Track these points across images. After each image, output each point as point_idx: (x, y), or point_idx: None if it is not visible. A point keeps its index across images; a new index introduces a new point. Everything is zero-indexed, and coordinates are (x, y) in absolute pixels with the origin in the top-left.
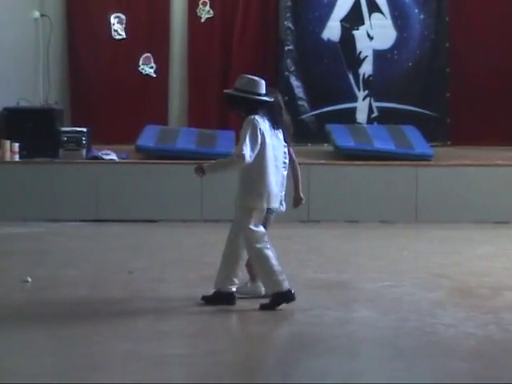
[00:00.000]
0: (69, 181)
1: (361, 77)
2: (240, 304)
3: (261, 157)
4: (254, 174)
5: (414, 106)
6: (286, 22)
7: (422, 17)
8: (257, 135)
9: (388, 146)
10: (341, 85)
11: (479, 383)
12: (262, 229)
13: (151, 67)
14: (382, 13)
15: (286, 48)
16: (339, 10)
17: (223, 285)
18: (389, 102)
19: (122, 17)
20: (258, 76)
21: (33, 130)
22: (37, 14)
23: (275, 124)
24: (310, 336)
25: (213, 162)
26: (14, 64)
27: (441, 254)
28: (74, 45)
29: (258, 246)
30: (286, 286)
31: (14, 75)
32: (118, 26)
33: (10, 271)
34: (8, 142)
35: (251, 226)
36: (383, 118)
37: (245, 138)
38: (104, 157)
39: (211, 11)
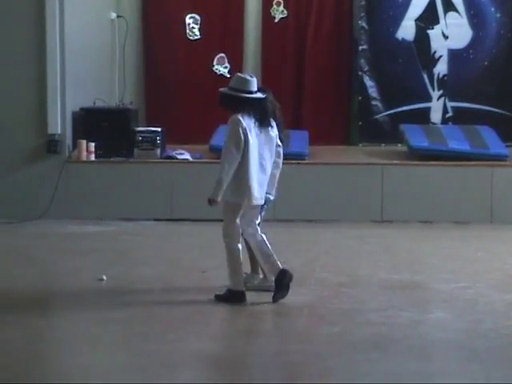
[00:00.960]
0: (143, 180)
1: (435, 76)
2: (312, 304)
3: (244, 155)
4: (239, 171)
5: (489, 106)
6: (360, 22)
7: (498, 15)
8: (239, 134)
9: (463, 146)
10: (415, 84)
11: None
12: (238, 226)
13: (225, 67)
14: (457, 12)
15: (360, 48)
16: (414, 9)
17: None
18: (463, 101)
19: (197, 17)
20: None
21: (108, 129)
22: (113, 15)
23: (263, 122)
24: (384, 337)
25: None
26: (91, 65)
27: None
28: (149, 45)
29: (234, 241)
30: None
31: (91, 76)
32: (193, 27)
33: (86, 269)
34: (84, 142)
35: (232, 222)
36: (458, 117)
37: (227, 140)
38: (178, 156)
39: (285, 11)
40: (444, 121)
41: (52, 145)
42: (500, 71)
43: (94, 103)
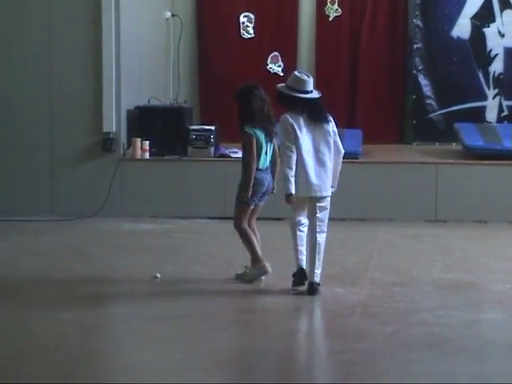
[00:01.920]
0: (197, 178)
1: (491, 75)
2: (365, 303)
3: (296, 151)
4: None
5: None
6: (414, 20)
7: None
8: (288, 131)
9: None
10: (470, 83)
11: None
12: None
13: (279, 66)
14: None
15: (415, 46)
16: (470, 7)
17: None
18: None
19: (251, 16)
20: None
21: (162, 128)
22: (168, 14)
23: (317, 118)
24: (437, 336)
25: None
26: (146, 63)
27: None
28: (203, 44)
29: (293, 229)
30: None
31: (146, 74)
32: (247, 25)
33: (140, 267)
34: (139, 140)
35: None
36: None
37: (281, 138)
38: (231, 155)
39: (339, 10)
40: (499, 120)
41: (107, 143)
42: None
43: (149, 102)
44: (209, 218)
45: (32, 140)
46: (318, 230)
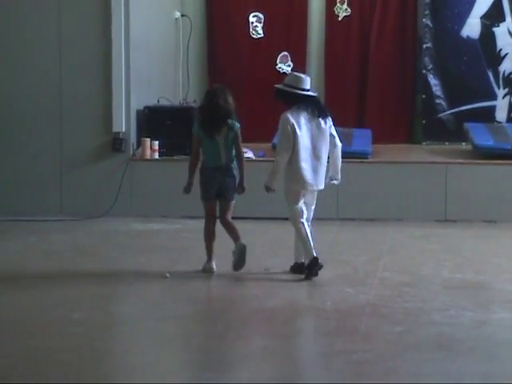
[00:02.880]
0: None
1: (501, 75)
2: (374, 303)
3: (294, 147)
4: (292, 161)
5: None
6: (424, 20)
7: None
8: (288, 130)
9: None
10: (480, 83)
11: None
12: (299, 208)
13: (288, 66)
14: None
15: (424, 46)
16: (479, 6)
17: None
18: None
19: (261, 16)
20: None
21: (172, 128)
22: (177, 14)
23: (314, 115)
24: (447, 337)
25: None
26: (156, 64)
27: None
28: (212, 44)
29: (297, 220)
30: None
31: (155, 75)
32: (256, 25)
33: (150, 267)
34: (148, 140)
35: (291, 206)
36: None
37: (279, 136)
38: None
39: (349, 9)
40: (509, 119)
41: (117, 143)
42: None
43: (158, 102)
44: (218, 218)
45: (42, 140)
46: (311, 217)
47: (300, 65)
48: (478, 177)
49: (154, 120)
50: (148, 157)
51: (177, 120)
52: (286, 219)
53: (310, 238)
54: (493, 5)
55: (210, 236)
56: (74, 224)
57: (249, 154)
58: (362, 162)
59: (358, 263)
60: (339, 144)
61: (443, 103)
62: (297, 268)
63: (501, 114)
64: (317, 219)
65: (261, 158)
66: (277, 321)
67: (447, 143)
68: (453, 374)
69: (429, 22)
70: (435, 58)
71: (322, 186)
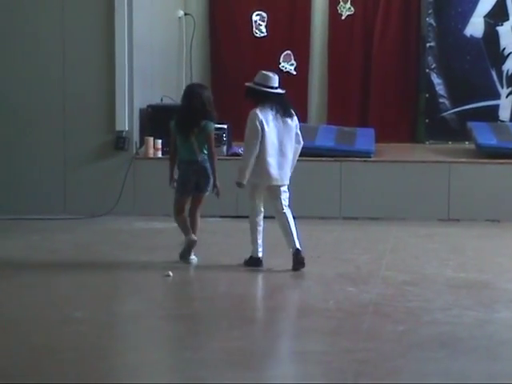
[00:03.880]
0: None
1: (504, 73)
2: (377, 302)
3: (261, 143)
4: (258, 157)
5: None
6: (427, 19)
7: None
8: (256, 127)
9: None
10: (483, 82)
11: None
12: (258, 203)
13: (291, 64)
14: None
15: (428, 45)
16: (483, 5)
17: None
18: None
19: (264, 14)
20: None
21: None
22: (181, 13)
23: (282, 113)
24: (450, 336)
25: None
26: (159, 62)
27: None
28: (215, 43)
29: (253, 215)
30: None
31: (158, 73)
32: (259, 24)
33: (153, 266)
34: (151, 139)
35: (251, 199)
36: None
37: (247, 132)
38: None
39: (352, 8)
40: None
41: (120, 142)
42: None
43: (162, 100)
44: (221, 217)
45: (45, 139)
46: (284, 209)
47: (303, 63)
48: (482, 176)
49: (157, 119)
50: (151, 155)
51: None
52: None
53: (259, 238)
54: (496, 4)
55: (182, 220)
56: (76, 222)
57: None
58: (365, 161)
59: (361, 262)
60: (301, 142)
61: (446, 102)
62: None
63: (504, 113)
64: (320, 218)
65: None
66: (280, 320)
67: (450, 142)
68: (456, 374)
69: (432, 21)
70: (438, 57)
71: (286, 182)
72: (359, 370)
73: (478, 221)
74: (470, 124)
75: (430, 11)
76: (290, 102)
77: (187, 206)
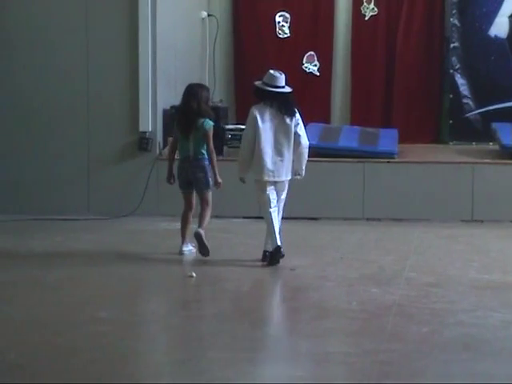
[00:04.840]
0: (232, 178)
1: None
2: (401, 304)
3: (256, 140)
4: (255, 154)
5: None
6: (451, 19)
7: None
8: (251, 122)
9: None
10: (508, 82)
11: None
12: (266, 196)
13: (315, 65)
14: None
15: (452, 45)
16: (507, 5)
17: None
18: None
19: (287, 15)
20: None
21: None
22: (204, 14)
23: (281, 111)
24: (474, 337)
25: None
26: (182, 63)
27: None
28: (239, 44)
29: (264, 208)
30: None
31: (182, 74)
32: (282, 25)
33: (176, 266)
34: None
35: (259, 194)
36: None
37: (244, 128)
38: None
39: (375, 9)
40: None
41: (143, 142)
42: None
43: None
44: (244, 218)
45: (69, 139)
46: (281, 207)
47: (326, 64)
48: (506, 177)
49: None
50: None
51: None
52: (313, 219)
53: (276, 227)
54: None
55: (183, 220)
56: (100, 223)
57: None
58: (388, 161)
59: (385, 263)
60: (304, 142)
61: (470, 103)
62: (264, 256)
63: None
64: (343, 219)
65: None
66: (303, 320)
67: (474, 143)
68: (480, 375)
69: (456, 22)
70: (462, 58)
71: (281, 178)
72: (383, 372)
73: (502, 222)
74: (494, 125)
75: (453, 12)
76: (295, 101)
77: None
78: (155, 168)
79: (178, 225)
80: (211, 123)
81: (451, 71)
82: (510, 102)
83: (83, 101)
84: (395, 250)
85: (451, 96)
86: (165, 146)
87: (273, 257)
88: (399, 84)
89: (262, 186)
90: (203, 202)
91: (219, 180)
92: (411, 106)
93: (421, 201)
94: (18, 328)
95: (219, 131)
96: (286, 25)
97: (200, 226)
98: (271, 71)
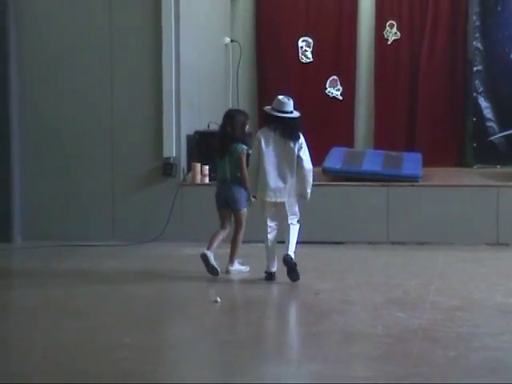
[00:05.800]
0: (255, 202)
1: None
2: (426, 328)
3: (260, 162)
4: (259, 174)
5: None
6: (474, 43)
7: None
8: (255, 145)
9: None
10: None
11: None
12: (266, 219)
13: (338, 90)
14: None
15: (475, 69)
16: None
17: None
18: None
19: (310, 40)
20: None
21: None
22: (227, 39)
23: (284, 135)
24: (501, 361)
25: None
26: (206, 88)
27: None
28: (262, 69)
29: (264, 231)
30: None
31: (205, 99)
32: (305, 50)
33: (201, 291)
34: (198, 165)
35: (261, 215)
36: None
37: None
38: None
39: (398, 33)
40: None
41: (167, 168)
42: None
43: (208, 126)
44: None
45: (94, 165)
46: (290, 224)
47: (349, 89)
48: None
49: (204, 145)
50: (198, 181)
51: None
52: (338, 243)
53: (270, 253)
54: None
55: (213, 234)
56: (125, 249)
57: None
58: (412, 185)
59: (410, 287)
60: (307, 166)
61: (494, 126)
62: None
63: None
64: (367, 243)
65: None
66: (327, 345)
67: (499, 166)
68: None
69: (479, 45)
70: (486, 81)
71: (282, 199)
72: None
73: None
74: None
75: (476, 35)
76: (300, 125)
77: (230, 225)
78: (179, 193)
79: (203, 249)
80: (244, 147)
81: (474, 94)
82: None
83: (108, 127)
84: (420, 273)
85: (475, 119)
86: (189, 171)
87: (267, 280)
88: (422, 108)
89: (263, 205)
90: (236, 222)
91: (252, 199)
92: (435, 130)
93: (445, 224)
94: (43, 353)
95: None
96: (309, 50)
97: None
98: (279, 97)
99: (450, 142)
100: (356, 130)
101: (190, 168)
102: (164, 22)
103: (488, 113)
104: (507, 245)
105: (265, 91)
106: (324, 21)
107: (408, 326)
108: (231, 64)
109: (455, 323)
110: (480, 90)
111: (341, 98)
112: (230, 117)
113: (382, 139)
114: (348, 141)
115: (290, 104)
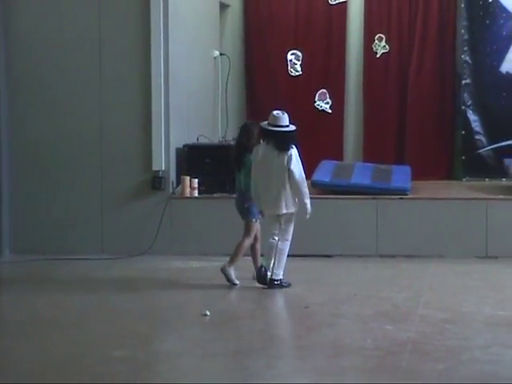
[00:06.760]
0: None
1: None
2: (415, 341)
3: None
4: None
5: None
6: (463, 56)
7: None
8: (252, 159)
9: None
10: None
11: None
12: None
13: (327, 103)
14: None
15: (463, 82)
16: None
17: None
18: None
19: (299, 53)
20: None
21: (211, 166)
22: (216, 53)
23: (277, 148)
24: (490, 374)
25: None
26: (195, 102)
27: None
28: (251, 82)
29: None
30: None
31: (195, 113)
32: (294, 63)
33: (190, 304)
34: (188, 178)
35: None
36: None
37: None
38: None
39: (387, 46)
40: None
41: (156, 181)
42: None
43: (198, 140)
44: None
45: (82, 179)
46: (280, 238)
47: (338, 102)
48: None
49: (193, 158)
50: (188, 195)
51: (216, 158)
52: (327, 256)
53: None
54: None
55: (236, 246)
56: (114, 262)
57: None
58: (401, 198)
59: (399, 300)
60: (297, 177)
61: (483, 139)
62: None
63: None
64: (357, 256)
65: None
66: (317, 358)
67: (487, 179)
68: None
69: (468, 58)
70: (474, 94)
71: (273, 212)
72: None
73: None
74: (507, 161)
75: (465, 48)
76: (293, 138)
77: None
78: (168, 207)
79: (192, 263)
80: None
81: (463, 108)
82: None
83: (96, 140)
84: (409, 286)
85: (463, 132)
86: (178, 184)
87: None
88: (411, 121)
89: (266, 216)
90: (245, 230)
91: (263, 213)
92: (424, 143)
93: (434, 237)
94: (35, 368)
95: None
96: (298, 63)
97: (255, 262)
98: (274, 112)
99: (439, 154)
100: (345, 143)
101: (179, 181)
102: (153, 35)
103: (477, 126)
104: (496, 257)
105: (254, 104)
106: (313, 34)
107: (397, 338)
108: (220, 77)
109: (444, 336)
110: (469, 103)
111: (330, 111)
112: (246, 129)
113: (371, 152)
114: (337, 154)
115: (284, 118)
